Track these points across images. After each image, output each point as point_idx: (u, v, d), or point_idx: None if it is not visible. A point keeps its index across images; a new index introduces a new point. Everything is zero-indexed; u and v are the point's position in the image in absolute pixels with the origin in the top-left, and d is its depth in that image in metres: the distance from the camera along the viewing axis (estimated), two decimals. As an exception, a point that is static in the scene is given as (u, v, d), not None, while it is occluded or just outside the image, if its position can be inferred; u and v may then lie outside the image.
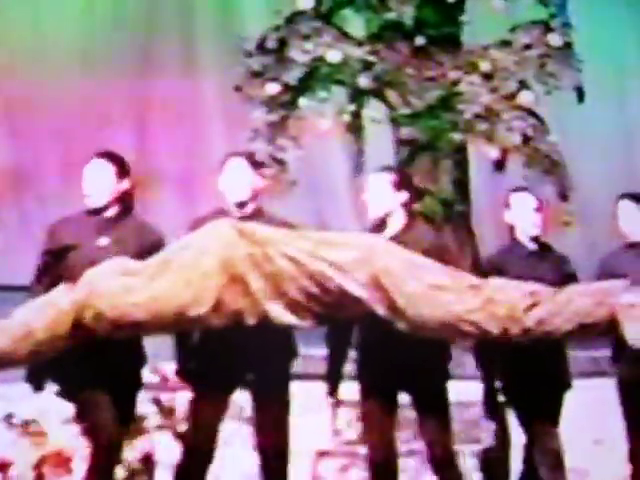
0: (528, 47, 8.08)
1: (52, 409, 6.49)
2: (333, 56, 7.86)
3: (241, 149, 7.57)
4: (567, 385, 5.52)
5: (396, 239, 5.00)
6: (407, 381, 5.05)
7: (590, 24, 8.98)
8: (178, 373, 5.18)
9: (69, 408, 6.50)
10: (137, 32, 9.50)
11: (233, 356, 4.92)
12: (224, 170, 5.18)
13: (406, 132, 7.92)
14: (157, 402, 6.81)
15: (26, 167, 8.62)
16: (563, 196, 7.90)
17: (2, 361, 4.64)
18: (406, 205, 5.15)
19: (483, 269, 5.30)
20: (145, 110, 9.35)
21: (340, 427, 6.84)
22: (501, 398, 5.46)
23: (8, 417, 6.71)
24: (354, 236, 4.99)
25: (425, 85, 7.92)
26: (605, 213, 6.02)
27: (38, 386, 5.05)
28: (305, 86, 7.89)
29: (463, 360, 5.71)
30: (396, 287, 4.66)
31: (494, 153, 7.86)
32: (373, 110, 8.02)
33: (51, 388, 5.90)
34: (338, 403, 5.33)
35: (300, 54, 7.85)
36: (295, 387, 5.14)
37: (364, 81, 7.87)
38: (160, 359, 5.89)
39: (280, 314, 4.68)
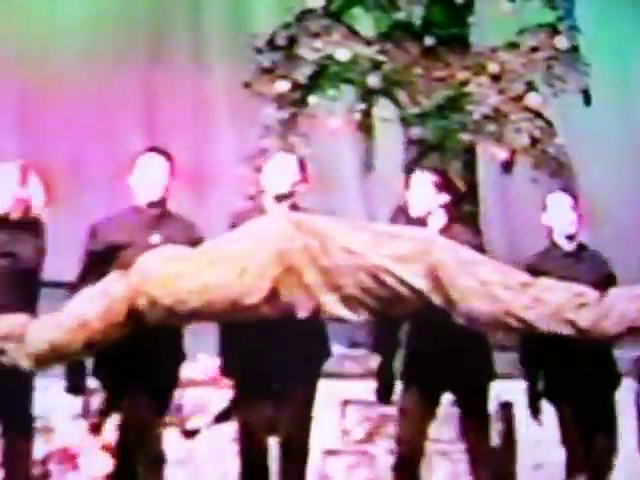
0: (535, 49, 8.11)
1: (60, 405, 6.46)
2: (342, 54, 7.88)
3: (250, 146, 7.66)
4: (615, 384, 5.56)
5: None
6: (454, 381, 5.13)
7: (597, 27, 9.02)
8: (222, 370, 5.22)
9: (77, 405, 6.54)
10: (148, 27, 9.48)
11: (271, 353, 4.94)
12: (269, 164, 5.26)
13: (415, 132, 7.94)
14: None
15: (37, 159, 8.62)
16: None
17: (58, 354, 4.61)
18: (446, 207, 5.23)
19: None
20: (155, 105, 9.32)
21: (349, 426, 6.87)
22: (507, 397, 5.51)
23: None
24: (409, 229, 5.03)
25: (434, 85, 7.94)
26: (612, 214, 6.07)
27: (77, 390, 5.08)
28: (315, 84, 7.91)
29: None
30: (450, 280, 4.69)
31: (502, 154, 7.88)
32: (383, 109, 8.03)
33: (60, 384, 5.90)
34: (388, 404, 5.36)
35: (310, 52, 7.87)
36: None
37: (373, 80, 7.88)
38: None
39: (334, 307, 4.67)
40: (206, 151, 8.93)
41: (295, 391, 5.08)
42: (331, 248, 4.69)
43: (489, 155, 8.01)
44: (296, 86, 7.87)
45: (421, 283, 4.70)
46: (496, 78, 7.99)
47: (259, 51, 7.96)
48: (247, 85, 7.95)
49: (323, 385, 5.28)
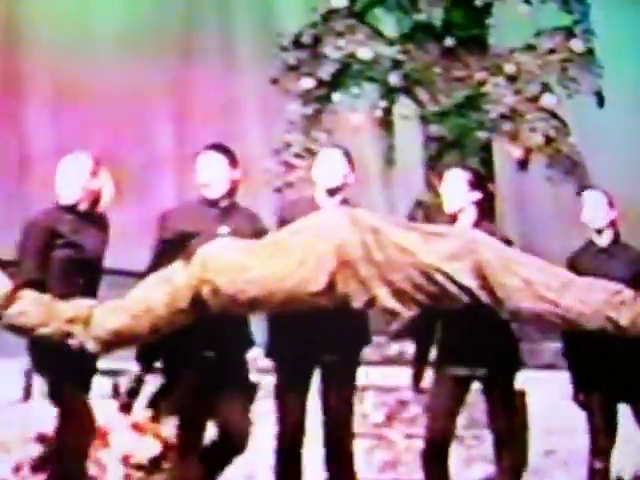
0: (552, 52, 8.34)
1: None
2: (365, 53, 8.12)
3: (276, 140, 7.88)
4: None
5: None
6: (483, 368, 5.25)
7: (611, 31, 9.14)
8: (266, 353, 5.31)
9: (107, 386, 6.77)
10: (180, 26, 9.74)
11: (312, 338, 5.10)
12: (319, 159, 5.43)
13: (434, 129, 8.19)
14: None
15: (71, 149, 8.85)
16: (582, 196, 8.23)
17: (124, 338, 4.79)
18: (478, 204, 5.34)
19: None
20: (185, 99, 9.57)
21: (367, 411, 7.06)
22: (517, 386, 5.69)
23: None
24: (455, 228, 5.18)
25: (453, 85, 8.19)
26: (623, 213, 6.21)
27: (147, 366, 5.20)
28: (338, 82, 8.16)
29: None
30: (495, 279, 4.87)
31: (518, 152, 8.10)
32: (403, 107, 8.27)
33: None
34: (419, 391, 5.48)
35: (334, 51, 8.11)
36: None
37: (394, 79, 8.13)
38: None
39: (386, 300, 4.85)
40: (234, 145, 9.10)
41: (340, 376, 5.23)
42: (385, 244, 4.86)
43: (505, 153, 8.24)
44: (320, 83, 8.12)
45: (469, 281, 4.87)
46: (513, 79, 8.23)
47: (285, 49, 8.20)
48: (274, 82, 8.20)
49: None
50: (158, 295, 4.75)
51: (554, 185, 8.20)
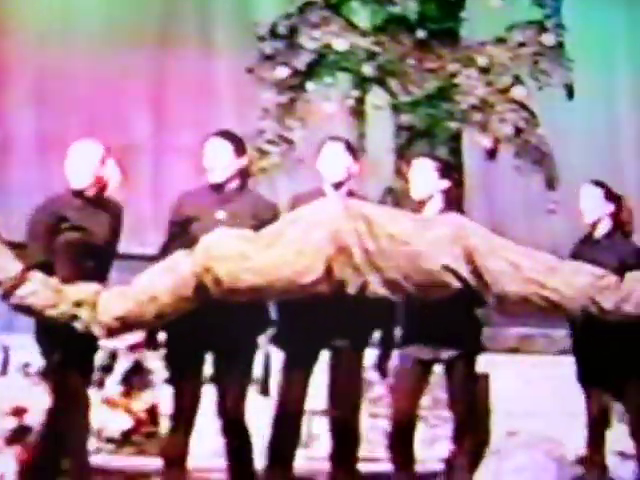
0: (523, 45, 8.49)
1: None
2: (340, 44, 8.26)
3: (251, 127, 8.03)
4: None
5: None
6: (445, 351, 5.37)
7: (582, 25, 9.34)
8: (273, 339, 5.40)
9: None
10: (159, 12, 9.87)
11: (321, 322, 5.20)
12: (322, 152, 5.48)
13: (405, 119, 8.34)
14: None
15: (54, 132, 8.97)
16: (550, 185, 8.32)
17: (128, 324, 4.92)
18: (446, 192, 5.44)
19: None
20: (162, 87, 9.72)
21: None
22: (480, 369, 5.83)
23: (25, 366, 7.10)
24: (444, 216, 5.30)
25: (425, 76, 8.33)
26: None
27: (154, 346, 5.32)
28: (313, 71, 8.29)
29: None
30: (483, 264, 5.00)
31: (487, 142, 8.26)
32: (376, 97, 8.41)
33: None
34: (384, 373, 5.58)
35: (309, 41, 8.25)
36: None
37: (368, 69, 8.28)
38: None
39: (377, 287, 4.99)
40: (209, 130, 9.22)
41: (349, 358, 5.35)
42: (377, 233, 4.99)
43: (474, 143, 8.37)
44: (295, 73, 8.25)
45: (460, 266, 5.00)
46: (484, 71, 8.39)
47: (262, 39, 8.32)
48: (250, 70, 8.31)
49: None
50: (163, 283, 4.88)
51: (522, 175, 8.36)
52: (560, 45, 8.54)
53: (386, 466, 6.32)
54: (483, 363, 6.46)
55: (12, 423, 6.58)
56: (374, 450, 6.76)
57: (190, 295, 4.89)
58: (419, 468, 6.58)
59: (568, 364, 6.02)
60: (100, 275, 5.05)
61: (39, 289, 4.82)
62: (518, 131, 8.28)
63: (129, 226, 5.31)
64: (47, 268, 4.94)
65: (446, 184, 5.46)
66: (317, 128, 8.24)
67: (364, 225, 5.00)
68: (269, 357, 5.62)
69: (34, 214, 5.09)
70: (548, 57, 8.48)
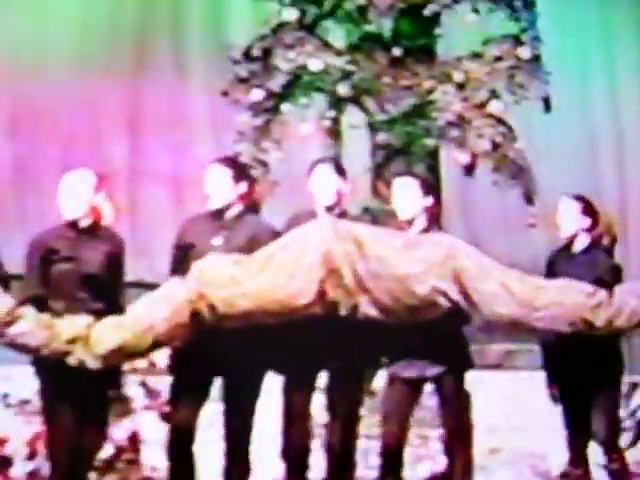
0: (499, 59, 8.50)
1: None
2: (315, 65, 8.26)
3: (227, 150, 8.03)
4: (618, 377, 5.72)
5: None
6: (433, 369, 5.38)
7: (558, 37, 9.38)
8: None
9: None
10: (132, 38, 9.89)
11: (317, 344, 5.24)
12: (313, 175, 5.55)
13: (382, 137, 8.34)
14: (144, 385, 7.24)
15: (29, 162, 9.00)
16: (529, 199, 8.33)
17: (124, 354, 4.95)
18: (429, 210, 5.46)
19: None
20: (138, 112, 9.74)
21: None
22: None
23: (4, 396, 7.10)
24: (434, 236, 5.29)
25: (400, 93, 8.32)
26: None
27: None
28: (288, 93, 8.30)
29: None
30: (473, 285, 5.02)
31: (465, 158, 8.26)
32: (351, 116, 8.42)
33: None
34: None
35: (284, 62, 8.25)
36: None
37: (343, 89, 8.28)
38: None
39: (367, 308, 5.04)
40: (185, 155, 9.27)
41: (345, 382, 5.38)
42: (366, 255, 5.03)
43: (452, 159, 8.38)
44: (270, 95, 8.26)
45: (449, 288, 5.03)
46: (460, 86, 8.38)
47: (236, 62, 8.33)
48: (224, 94, 8.33)
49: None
50: (158, 312, 4.91)
51: (500, 190, 8.37)
52: (537, 58, 8.55)
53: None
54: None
55: (-7, 454, 6.59)
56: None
57: (186, 322, 4.92)
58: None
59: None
60: (96, 305, 5.05)
61: (32, 328, 4.85)
62: (496, 146, 8.28)
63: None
64: (41, 301, 4.96)
65: (430, 201, 5.47)
66: (293, 150, 8.36)
67: (354, 247, 5.04)
68: None
69: (28, 247, 5.13)
70: (525, 70, 8.50)
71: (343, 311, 5.05)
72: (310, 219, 5.33)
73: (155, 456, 6.74)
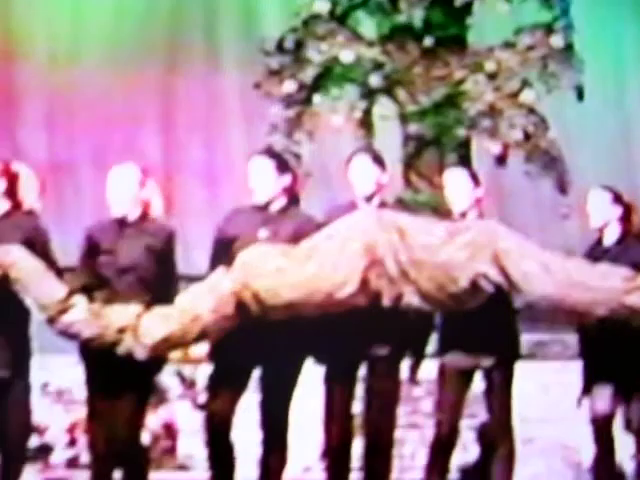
0: (531, 48, 8.49)
1: (82, 379, 6.95)
2: (346, 56, 8.30)
3: (260, 142, 8.07)
4: None
5: None
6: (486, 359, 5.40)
7: (591, 25, 9.31)
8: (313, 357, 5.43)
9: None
10: (165, 32, 9.94)
11: (358, 333, 5.21)
12: (351, 165, 5.48)
13: (414, 128, 8.36)
14: (179, 374, 7.33)
15: (65, 156, 9.10)
16: (562, 189, 8.33)
17: (172, 344, 5.02)
18: (479, 201, 5.48)
19: None
20: (172, 105, 9.79)
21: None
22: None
23: (44, 386, 7.17)
24: (474, 221, 5.38)
25: (432, 84, 8.35)
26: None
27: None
28: (319, 84, 8.35)
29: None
30: (514, 265, 5.01)
31: (496, 148, 8.28)
32: (383, 107, 8.43)
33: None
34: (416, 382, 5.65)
35: (315, 54, 8.31)
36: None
37: (375, 80, 8.31)
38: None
39: (412, 298, 5.04)
40: (219, 148, 9.32)
41: (385, 371, 5.36)
42: (410, 243, 5.02)
43: (484, 149, 8.37)
44: (302, 86, 8.30)
45: (491, 270, 5.01)
46: (492, 76, 8.39)
47: (268, 54, 8.39)
48: (257, 86, 8.38)
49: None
50: (205, 303, 4.95)
51: (532, 180, 8.37)
52: (569, 47, 8.54)
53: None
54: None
55: (35, 441, 6.68)
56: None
57: (231, 313, 4.96)
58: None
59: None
60: (139, 298, 5.06)
61: (84, 317, 4.94)
62: (527, 136, 8.30)
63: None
64: (88, 291, 5.04)
65: (481, 193, 5.54)
66: (325, 141, 8.42)
67: (397, 236, 5.04)
68: None
69: (82, 237, 5.21)
70: (557, 59, 8.49)
71: (386, 301, 5.05)
72: (350, 210, 5.33)
73: (190, 445, 6.84)
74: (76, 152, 9.16)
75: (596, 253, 5.68)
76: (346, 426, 5.39)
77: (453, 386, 5.43)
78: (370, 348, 5.33)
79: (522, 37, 8.55)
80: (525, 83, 8.44)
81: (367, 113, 8.35)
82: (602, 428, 5.61)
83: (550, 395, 7.33)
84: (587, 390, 5.70)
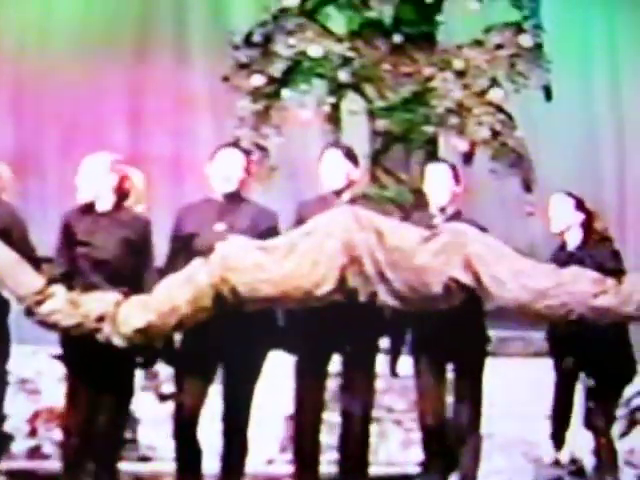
0: (500, 47, 8.52)
1: (47, 370, 6.99)
2: (315, 51, 8.30)
3: (227, 135, 8.09)
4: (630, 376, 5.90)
5: None
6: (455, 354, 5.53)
7: (560, 25, 9.37)
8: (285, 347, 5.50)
9: (61, 369, 7.07)
10: (134, 23, 9.94)
11: (330, 326, 5.30)
12: (323, 159, 5.56)
13: (381, 124, 8.37)
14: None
15: (31, 144, 9.08)
16: (527, 188, 8.37)
17: (149, 334, 5.04)
18: (457, 196, 5.62)
19: None
20: (140, 96, 9.78)
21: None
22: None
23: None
24: (445, 225, 5.43)
25: (401, 80, 8.37)
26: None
27: (151, 364, 5.43)
28: (288, 78, 8.33)
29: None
30: (485, 270, 5.12)
31: (463, 146, 8.29)
32: (351, 102, 8.45)
33: (46, 350, 6.37)
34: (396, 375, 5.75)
35: (284, 48, 8.29)
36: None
37: (343, 75, 8.32)
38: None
39: (385, 297, 5.14)
40: (186, 140, 9.32)
41: (358, 364, 5.46)
42: (386, 245, 5.13)
43: (451, 146, 8.38)
44: (270, 80, 8.30)
45: (463, 275, 5.13)
46: (461, 74, 8.41)
47: (237, 47, 8.36)
48: (225, 79, 8.37)
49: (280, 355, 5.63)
50: (182, 294, 5.01)
51: (498, 178, 8.42)
52: (538, 46, 8.57)
53: (404, 470, 6.52)
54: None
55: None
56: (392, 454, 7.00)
57: (208, 305, 5.02)
58: (394, 471, 6.71)
59: (544, 366, 6.17)
60: (116, 289, 5.07)
61: (62, 306, 4.96)
62: (495, 134, 8.32)
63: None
64: (68, 279, 5.07)
65: (460, 189, 5.65)
66: (292, 135, 8.42)
67: (375, 236, 5.13)
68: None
69: (59, 226, 5.20)
70: (526, 59, 8.52)
71: (362, 298, 5.14)
72: (321, 204, 5.39)
73: (152, 436, 6.84)
74: (43, 141, 9.14)
75: (561, 257, 5.81)
76: (316, 418, 5.46)
77: (431, 378, 5.55)
78: (343, 341, 5.40)
79: (491, 36, 8.59)
80: (493, 82, 8.47)
81: (335, 108, 8.36)
82: None
83: (511, 391, 7.39)
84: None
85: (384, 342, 5.66)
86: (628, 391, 7.36)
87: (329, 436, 5.74)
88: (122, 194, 5.24)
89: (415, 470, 6.38)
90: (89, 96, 9.41)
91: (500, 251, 5.21)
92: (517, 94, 8.55)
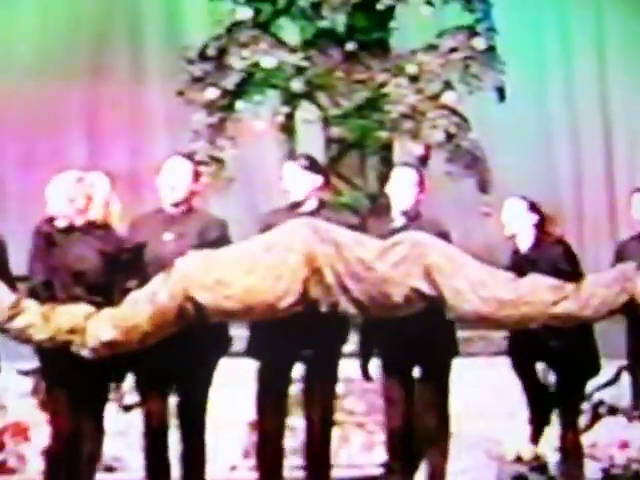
0: (454, 50, 8.61)
1: (12, 385, 7.04)
2: (268, 62, 8.37)
3: (183, 149, 8.14)
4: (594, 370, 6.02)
5: None
6: (421, 358, 5.62)
7: (513, 27, 9.47)
8: (247, 352, 5.61)
9: (27, 384, 7.12)
10: (90, 40, 10.00)
11: (292, 336, 5.38)
12: (284, 173, 5.66)
13: (336, 131, 8.47)
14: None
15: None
16: (483, 189, 8.46)
17: (115, 348, 5.10)
18: (419, 201, 5.73)
19: None
20: (96, 112, 9.86)
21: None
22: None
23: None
24: (403, 235, 5.47)
25: (354, 87, 8.45)
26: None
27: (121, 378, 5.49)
28: (242, 90, 8.40)
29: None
30: (443, 281, 5.22)
31: (418, 150, 8.35)
32: (305, 111, 8.53)
33: (11, 366, 6.42)
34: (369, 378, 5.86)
35: (238, 61, 8.35)
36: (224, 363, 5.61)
37: (296, 85, 8.39)
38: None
39: (347, 306, 5.26)
40: (142, 155, 9.38)
41: (318, 370, 5.56)
42: (345, 256, 5.24)
43: (406, 151, 8.45)
44: (225, 93, 8.36)
45: (422, 284, 5.23)
46: (414, 79, 8.49)
47: (191, 62, 8.43)
48: (180, 93, 8.45)
49: (240, 362, 5.73)
50: (143, 312, 5.08)
51: (454, 180, 8.51)
52: (491, 49, 8.66)
53: (366, 472, 6.60)
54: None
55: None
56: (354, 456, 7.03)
57: (171, 321, 5.10)
58: (356, 473, 6.78)
59: (504, 365, 6.27)
60: (94, 300, 5.14)
61: (35, 321, 5.02)
62: (449, 136, 8.40)
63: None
64: (46, 288, 5.13)
65: (424, 195, 5.77)
66: (248, 146, 8.49)
67: (334, 248, 5.22)
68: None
69: (33, 235, 5.23)
70: (479, 61, 8.61)
71: (324, 308, 5.24)
72: (287, 214, 5.48)
73: (115, 446, 6.89)
74: (2, 159, 9.20)
75: (516, 260, 5.92)
76: (279, 423, 5.53)
77: (396, 384, 5.65)
78: (305, 347, 5.49)
79: (444, 40, 8.68)
80: (447, 85, 8.56)
81: (289, 118, 8.44)
82: None
83: (473, 390, 7.47)
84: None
85: (351, 346, 5.74)
86: (590, 384, 7.51)
87: (292, 440, 5.87)
88: (95, 210, 5.29)
89: (377, 472, 6.49)
90: (45, 112, 9.48)
91: (459, 261, 5.29)
92: (471, 96, 8.63)
